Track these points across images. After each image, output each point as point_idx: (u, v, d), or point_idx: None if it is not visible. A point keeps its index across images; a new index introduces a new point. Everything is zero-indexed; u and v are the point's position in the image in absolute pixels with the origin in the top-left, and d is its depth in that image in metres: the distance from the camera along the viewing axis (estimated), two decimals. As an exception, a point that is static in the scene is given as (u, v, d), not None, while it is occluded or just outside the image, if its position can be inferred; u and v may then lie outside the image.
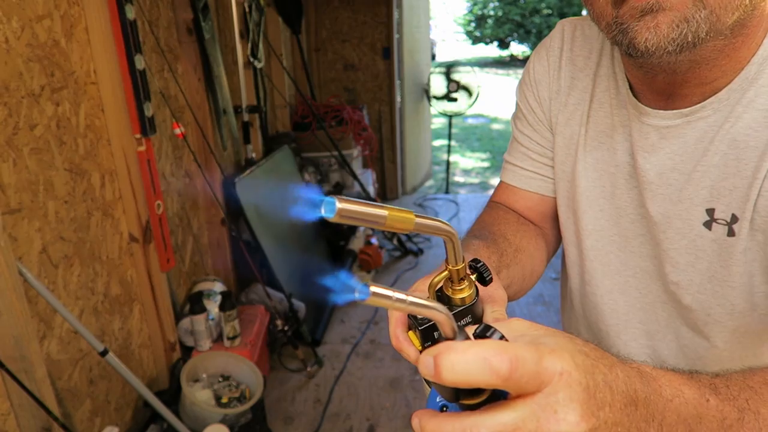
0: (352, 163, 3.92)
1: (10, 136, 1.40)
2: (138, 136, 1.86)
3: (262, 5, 3.24)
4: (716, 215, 0.64)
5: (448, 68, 5.08)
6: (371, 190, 4.03)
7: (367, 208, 0.37)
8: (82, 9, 1.67)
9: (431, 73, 5.22)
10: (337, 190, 3.92)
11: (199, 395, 1.96)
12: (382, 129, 4.81)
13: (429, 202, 5.08)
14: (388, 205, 0.38)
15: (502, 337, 0.36)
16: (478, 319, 0.51)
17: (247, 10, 3.05)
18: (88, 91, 1.72)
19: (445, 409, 0.42)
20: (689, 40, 0.53)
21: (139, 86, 1.82)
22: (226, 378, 2.11)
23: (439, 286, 0.49)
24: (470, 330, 0.40)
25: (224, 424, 1.89)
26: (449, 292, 0.49)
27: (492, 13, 16.61)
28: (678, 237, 0.68)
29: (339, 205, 0.35)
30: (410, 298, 0.35)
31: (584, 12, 0.78)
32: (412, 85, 5.00)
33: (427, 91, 5.21)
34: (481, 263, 0.50)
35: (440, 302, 0.49)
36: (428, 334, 0.49)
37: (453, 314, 0.49)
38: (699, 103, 0.63)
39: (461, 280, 0.49)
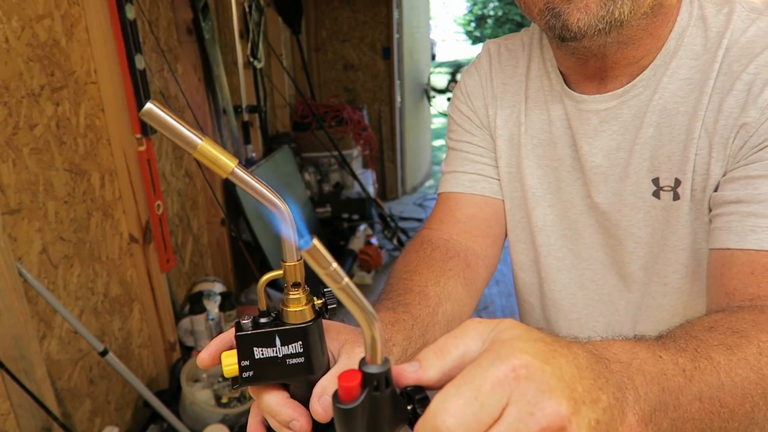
0: (352, 163, 3.92)
1: (10, 136, 1.40)
2: (138, 135, 1.86)
3: (262, 5, 3.24)
4: (661, 183, 0.68)
5: (449, 68, 5.08)
6: (371, 190, 4.03)
7: (184, 131, 0.34)
8: (82, 9, 1.67)
9: (431, 73, 5.21)
10: (337, 190, 3.91)
11: (199, 395, 1.96)
12: (382, 129, 4.80)
13: (429, 201, 5.08)
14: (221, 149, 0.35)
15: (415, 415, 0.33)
16: (315, 350, 0.42)
17: (247, 10, 3.05)
18: (88, 91, 1.72)
19: None
20: (616, 16, 0.59)
21: (139, 86, 1.82)
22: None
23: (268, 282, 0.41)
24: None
25: (224, 424, 1.89)
26: (282, 302, 0.40)
27: (492, 13, 16.61)
28: (633, 212, 0.71)
29: (150, 107, 0.33)
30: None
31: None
32: (412, 85, 4.99)
33: (427, 91, 5.21)
34: (330, 292, 0.40)
35: (267, 311, 0.42)
36: (247, 347, 0.40)
37: (281, 331, 0.40)
38: (629, 82, 0.68)
39: (295, 286, 0.39)
